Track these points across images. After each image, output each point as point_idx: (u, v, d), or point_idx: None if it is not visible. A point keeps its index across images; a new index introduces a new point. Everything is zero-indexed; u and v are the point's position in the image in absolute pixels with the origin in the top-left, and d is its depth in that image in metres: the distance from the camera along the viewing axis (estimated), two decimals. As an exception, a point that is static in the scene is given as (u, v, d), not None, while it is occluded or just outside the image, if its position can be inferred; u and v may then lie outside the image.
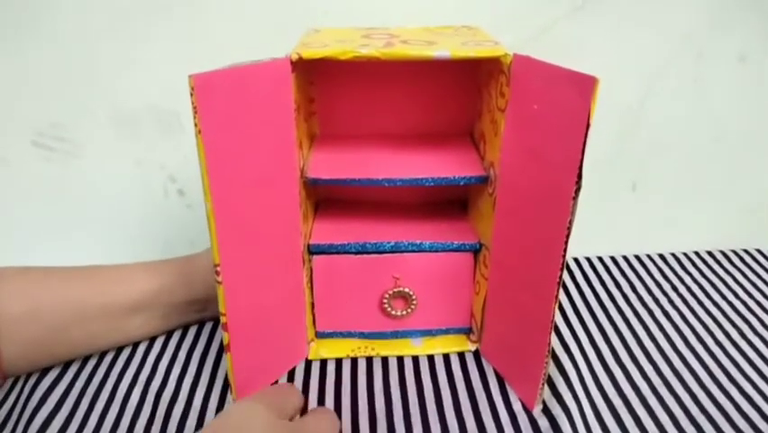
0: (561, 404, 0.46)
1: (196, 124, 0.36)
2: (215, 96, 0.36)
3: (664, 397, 0.48)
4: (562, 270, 0.39)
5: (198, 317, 0.55)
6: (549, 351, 0.42)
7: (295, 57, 0.41)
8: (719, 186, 0.71)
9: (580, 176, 0.36)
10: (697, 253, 0.69)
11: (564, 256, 0.39)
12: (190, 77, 0.35)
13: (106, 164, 0.65)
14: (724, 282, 0.64)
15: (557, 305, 0.41)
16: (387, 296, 0.49)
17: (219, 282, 0.41)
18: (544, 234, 0.40)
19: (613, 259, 0.68)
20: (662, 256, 0.69)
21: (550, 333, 0.42)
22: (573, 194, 0.37)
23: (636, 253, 0.69)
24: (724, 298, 0.61)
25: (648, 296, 0.61)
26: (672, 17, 0.62)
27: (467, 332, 0.53)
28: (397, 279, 0.49)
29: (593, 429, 0.44)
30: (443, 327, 0.52)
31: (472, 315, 0.52)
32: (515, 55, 0.40)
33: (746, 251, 0.70)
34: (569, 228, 0.38)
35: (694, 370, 0.51)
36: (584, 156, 0.35)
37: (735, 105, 0.66)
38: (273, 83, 0.40)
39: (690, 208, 0.71)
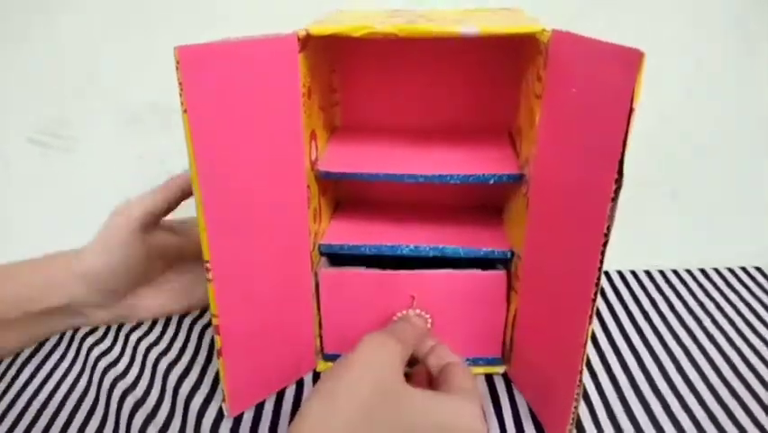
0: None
1: (182, 103, 0.33)
2: (205, 72, 0.33)
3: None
4: (598, 284, 0.33)
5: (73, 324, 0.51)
6: (581, 379, 0.36)
7: (302, 33, 0.37)
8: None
9: (620, 172, 0.30)
10: (744, 269, 0.60)
11: (600, 270, 0.32)
12: (176, 48, 0.32)
13: (106, 160, 0.64)
14: None
15: (591, 325, 0.34)
16: (398, 317, 0.42)
17: (210, 280, 0.37)
18: (577, 242, 0.34)
19: (648, 273, 0.60)
20: (703, 271, 0.60)
21: (583, 357, 0.35)
22: (613, 194, 0.30)
23: (675, 268, 0.61)
24: None
25: (689, 315, 0.53)
26: (723, 3, 0.54)
27: (499, 363, 0.46)
28: (414, 298, 0.43)
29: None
30: (470, 357, 0.45)
31: (504, 337, 0.46)
32: (553, 31, 0.34)
33: None
34: (606, 236, 0.31)
35: (744, 401, 0.43)
36: (626, 147, 0.29)
37: None
38: (277, 62, 0.36)
39: (736, 218, 0.63)
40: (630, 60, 0.28)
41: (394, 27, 0.36)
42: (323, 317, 0.45)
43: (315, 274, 0.44)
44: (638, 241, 0.58)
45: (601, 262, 0.32)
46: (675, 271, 0.60)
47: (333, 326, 0.45)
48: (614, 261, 0.58)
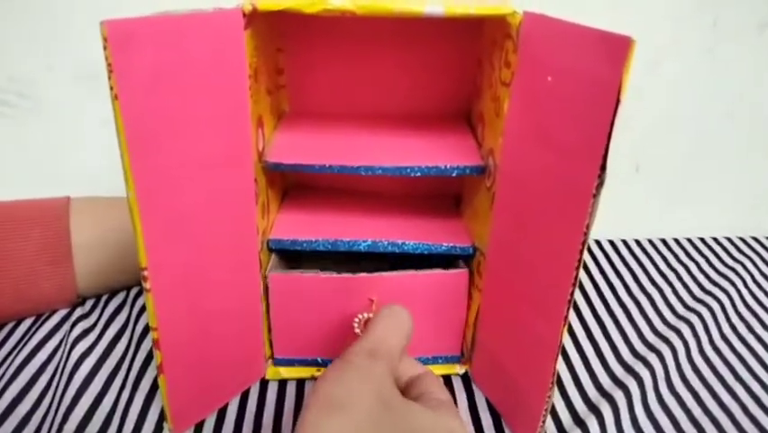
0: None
1: (111, 87, 0.28)
2: (138, 51, 0.28)
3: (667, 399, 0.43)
4: (574, 286, 0.31)
5: None
6: (554, 382, 0.35)
7: (248, 8, 0.32)
8: (731, 167, 0.64)
9: (603, 167, 0.28)
10: (703, 240, 0.63)
11: (578, 269, 0.30)
12: (102, 23, 0.27)
13: (70, 123, 0.60)
14: (735, 271, 0.57)
15: (566, 327, 0.33)
16: (357, 320, 0.39)
17: (147, 290, 0.32)
18: (553, 240, 0.32)
19: (612, 243, 0.62)
20: (664, 242, 0.63)
21: (556, 360, 0.34)
22: (594, 190, 0.28)
23: (637, 238, 0.63)
24: (734, 285, 0.55)
25: (651, 285, 0.55)
26: None
27: (458, 361, 0.44)
28: (373, 301, 0.40)
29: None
30: (429, 356, 0.44)
31: (463, 335, 0.44)
32: (525, 13, 0.32)
33: (756, 239, 0.63)
34: (585, 234, 0.30)
35: (700, 370, 0.46)
36: (610, 141, 0.27)
37: (751, 78, 0.60)
38: (219, 40, 0.32)
39: (697, 191, 0.65)
40: (617, 48, 0.26)
41: (351, 3, 0.33)
42: (273, 322, 0.41)
43: (265, 278, 0.40)
44: (602, 212, 0.59)
45: (579, 261, 0.30)
46: (638, 241, 0.62)
47: (285, 331, 0.42)
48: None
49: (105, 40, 0.27)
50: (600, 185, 0.28)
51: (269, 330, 0.42)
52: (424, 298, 0.41)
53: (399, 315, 0.33)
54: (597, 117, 0.28)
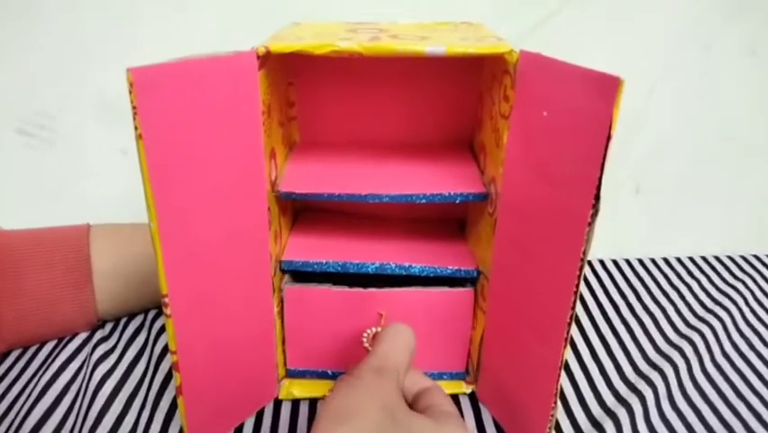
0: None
1: (136, 127, 0.30)
2: (161, 95, 0.30)
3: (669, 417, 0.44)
4: (573, 308, 0.33)
5: None
6: (556, 400, 0.36)
7: (262, 51, 0.35)
8: (728, 187, 0.66)
9: (597, 197, 0.30)
10: (704, 258, 0.64)
11: (577, 293, 0.32)
12: (128, 70, 0.29)
13: (90, 153, 0.63)
14: (735, 289, 0.59)
15: (567, 348, 0.34)
16: (366, 334, 0.42)
17: (168, 316, 0.34)
18: (551, 265, 0.34)
19: (615, 263, 0.63)
20: (666, 261, 0.64)
21: (558, 380, 0.35)
22: (589, 219, 0.30)
23: (640, 258, 0.64)
24: (735, 303, 0.57)
25: (653, 304, 0.57)
26: (680, 5, 0.57)
27: (462, 378, 0.46)
28: (382, 315, 0.42)
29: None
30: (435, 372, 0.45)
31: (469, 355, 0.45)
32: (521, 52, 0.34)
33: (757, 256, 0.65)
34: (582, 259, 0.31)
35: (702, 387, 0.47)
36: (603, 173, 0.29)
37: (745, 101, 0.62)
38: (236, 81, 0.34)
39: (696, 211, 0.67)
40: (607, 87, 0.28)
41: (358, 45, 0.35)
42: (286, 334, 0.44)
43: (280, 290, 0.42)
44: (604, 232, 0.61)
45: (578, 285, 0.32)
46: (640, 261, 0.64)
47: (298, 342, 0.44)
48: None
49: (130, 85, 0.29)
50: (595, 214, 0.30)
51: (283, 342, 0.44)
52: (430, 314, 0.43)
53: (403, 333, 0.35)
54: (590, 151, 0.29)
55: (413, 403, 0.34)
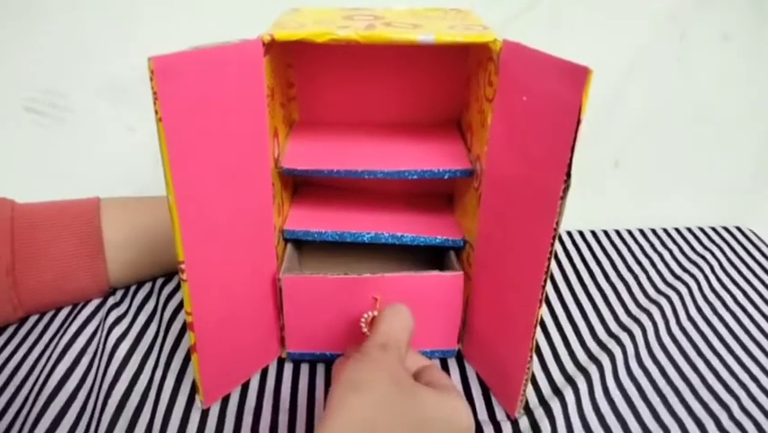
0: (543, 405, 0.44)
1: (156, 111, 0.33)
2: (179, 81, 0.34)
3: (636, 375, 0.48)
4: (547, 272, 0.37)
5: None
6: (532, 354, 0.40)
7: (267, 39, 0.38)
8: (701, 165, 0.71)
9: (569, 174, 0.34)
10: (677, 230, 0.69)
11: (550, 259, 0.36)
12: (150, 59, 0.32)
13: (98, 131, 0.65)
14: (703, 258, 0.63)
15: (541, 309, 0.38)
16: (364, 319, 0.43)
17: (184, 280, 0.38)
18: (529, 235, 0.38)
19: (593, 233, 0.68)
20: (642, 232, 0.69)
21: (533, 336, 0.39)
22: (561, 194, 0.34)
23: (617, 229, 0.69)
24: (702, 271, 0.61)
25: (627, 272, 0.61)
26: None
27: (454, 355, 0.49)
28: (377, 299, 0.44)
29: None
30: (428, 350, 0.48)
31: (459, 331, 0.48)
32: (504, 41, 0.37)
33: (726, 228, 0.69)
34: (555, 229, 0.35)
35: (666, 347, 0.51)
36: (574, 154, 0.33)
37: (718, 84, 0.66)
38: (243, 67, 0.37)
39: (670, 186, 0.71)
40: (577, 76, 0.31)
41: (356, 34, 0.38)
42: (286, 320, 0.46)
43: (278, 280, 0.44)
44: (585, 204, 0.62)
45: (551, 251, 0.36)
46: (617, 231, 0.68)
47: (297, 328, 0.46)
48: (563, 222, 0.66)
49: (151, 72, 0.32)
50: (566, 189, 0.34)
51: (282, 328, 0.46)
52: (423, 297, 0.45)
53: (402, 312, 0.38)
54: (562, 133, 0.33)
55: (414, 379, 0.38)
